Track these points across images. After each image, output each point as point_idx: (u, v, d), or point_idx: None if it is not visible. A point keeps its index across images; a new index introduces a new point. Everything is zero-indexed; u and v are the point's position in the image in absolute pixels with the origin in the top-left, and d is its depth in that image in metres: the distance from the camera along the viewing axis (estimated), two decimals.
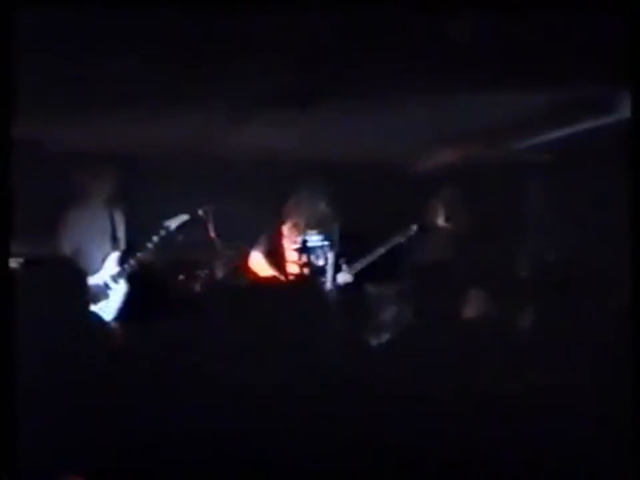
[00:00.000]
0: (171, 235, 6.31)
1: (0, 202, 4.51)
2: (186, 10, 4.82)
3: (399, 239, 6.95)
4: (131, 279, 6.50)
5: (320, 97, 6.14)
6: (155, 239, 6.27)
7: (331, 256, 6.47)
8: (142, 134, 8.11)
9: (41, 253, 6.92)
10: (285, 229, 6.68)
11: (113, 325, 6.17)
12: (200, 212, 6.32)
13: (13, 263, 5.92)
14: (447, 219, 7.07)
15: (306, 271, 6.60)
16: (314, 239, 6.50)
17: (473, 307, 6.79)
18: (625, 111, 4.69)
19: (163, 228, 6.27)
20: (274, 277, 6.68)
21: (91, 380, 5.40)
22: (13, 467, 4.38)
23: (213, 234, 6.30)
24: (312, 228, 6.52)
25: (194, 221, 6.43)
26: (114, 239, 6.48)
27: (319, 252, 6.48)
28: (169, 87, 6.34)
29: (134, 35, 5.21)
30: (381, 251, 6.78)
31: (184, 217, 6.34)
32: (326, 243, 6.44)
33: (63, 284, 6.37)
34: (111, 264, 6.52)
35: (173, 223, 6.31)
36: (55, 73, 5.88)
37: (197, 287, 6.38)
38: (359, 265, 6.60)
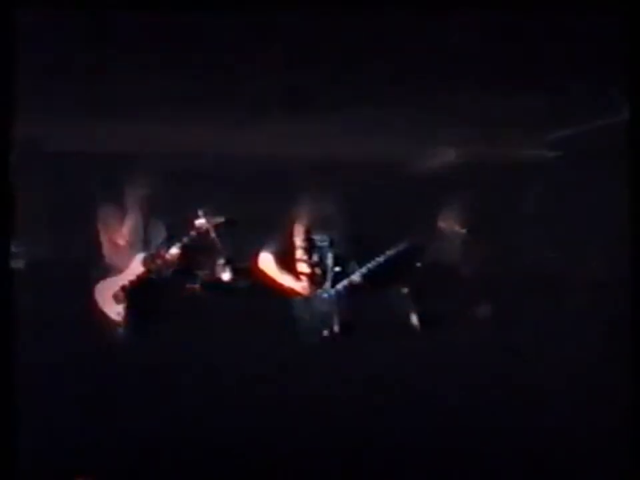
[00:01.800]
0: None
1: (0, 202, 4.51)
2: (188, 11, 4.81)
3: (407, 244, 6.96)
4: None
5: (325, 99, 6.15)
6: (185, 239, 6.32)
7: (330, 256, 6.46)
8: (143, 134, 8.10)
9: (41, 253, 6.93)
10: (295, 229, 6.68)
11: (114, 325, 6.17)
12: (200, 213, 6.31)
13: (13, 263, 5.93)
14: (457, 223, 7.05)
15: (317, 270, 6.59)
16: (323, 239, 6.50)
17: (474, 308, 6.79)
18: (624, 111, 4.69)
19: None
20: (281, 277, 6.67)
21: (92, 380, 5.40)
22: (14, 467, 4.38)
23: (213, 234, 6.29)
24: (321, 228, 6.52)
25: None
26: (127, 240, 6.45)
27: (327, 252, 6.48)
28: (171, 88, 6.34)
29: (134, 35, 5.21)
30: (390, 254, 6.78)
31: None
32: (331, 243, 6.44)
33: (64, 284, 6.38)
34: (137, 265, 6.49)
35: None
36: (54, 73, 5.88)
37: (197, 287, 6.37)
38: (368, 267, 6.60)
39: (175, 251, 6.31)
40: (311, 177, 7.79)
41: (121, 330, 6.09)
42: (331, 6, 4.71)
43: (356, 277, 6.59)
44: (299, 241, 6.69)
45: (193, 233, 6.30)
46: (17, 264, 6.18)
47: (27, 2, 4.41)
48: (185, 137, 8.16)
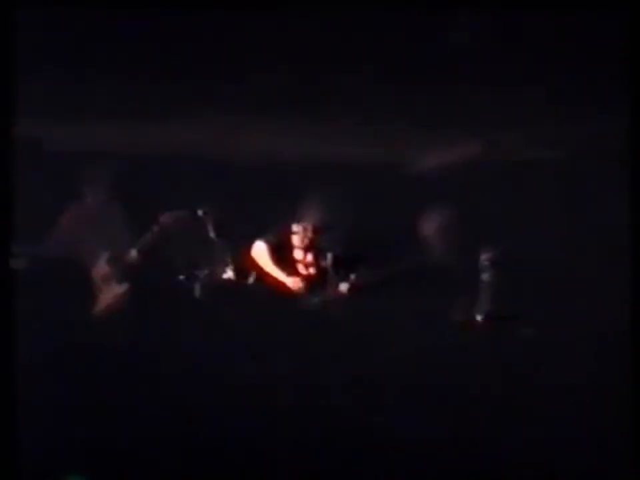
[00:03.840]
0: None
1: (0, 202, 4.51)
2: (188, 11, 4.82)
3: (416, 262, 6.95)
4: (131, 279, 6.48)
5: (327, 100, 6.15)
6: (147, 236, 6.27)
7: (330, 257, 6.46)
8: (143, 134, 8.11)
9: (41, 252, 6.93)
10: (294, 228, 6.66)
11: (114, 325, 6.18)
12: (200, 212, 6.31)
13: (13, 263, 5.93)
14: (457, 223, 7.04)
15: (311, 271, 6.58)
16: (321, 242, 6.49)
17: (473, 308, 6.79)
18: (624, 111, 4.69)
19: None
20: (271, 269, 6.64)
21: (92, 380, 5.40)
22: (14, 466, 4.38)
23: (212, 234, 6.29)
24: (321, 230, 6.51)
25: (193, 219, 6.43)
26: (116, 239, 6.45)
27: (326, 253, 6.48)
28: (171, 87, 6.34)
29: (134, 36, 5.21)
30: (394, 270, 6.77)
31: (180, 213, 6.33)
32: (330, 244, 6.43)
33: (63, 283, 6.38)
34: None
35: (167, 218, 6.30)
36: (54, 73, 5.88)
37: (197, 287, 6.37)
38: (365, 278, 6.59)
39: (134, 253, 6.31)
40: (311, 177, 7.78)
41: (120, 329, 6.10)
42: (332, 6, 4.71)
43: (344, 287, 6.56)
44: (297, 241, 6.68)
45: (154, 229, 6.29)
46: (17, 264, 6.19)
47: (27, 2, 4.42)
48: (186, 136, 8.17)
